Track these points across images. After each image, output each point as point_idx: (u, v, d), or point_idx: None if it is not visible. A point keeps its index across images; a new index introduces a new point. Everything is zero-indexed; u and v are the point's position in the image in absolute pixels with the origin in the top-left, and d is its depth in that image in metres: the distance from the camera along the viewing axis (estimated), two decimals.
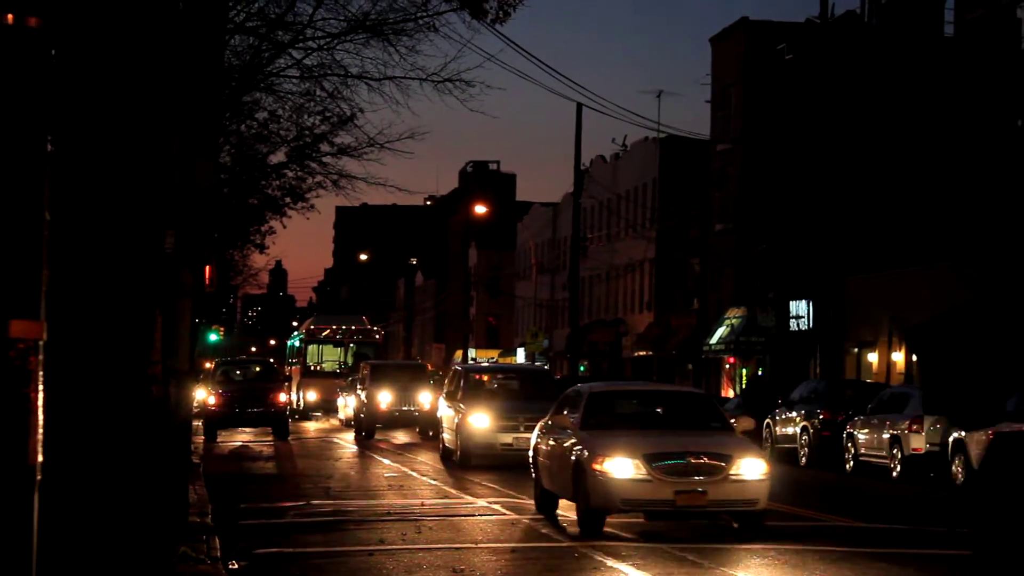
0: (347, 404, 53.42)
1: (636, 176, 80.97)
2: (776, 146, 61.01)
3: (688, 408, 21.01)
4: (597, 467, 18.38)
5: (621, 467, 18.31)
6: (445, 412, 34.64)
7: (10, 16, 5.95)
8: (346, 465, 34.00)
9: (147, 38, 9.39)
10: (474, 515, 21.57)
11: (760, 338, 61.81)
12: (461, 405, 32.90)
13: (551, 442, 20.95)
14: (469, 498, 24.18)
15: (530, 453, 22.25)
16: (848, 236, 55.70)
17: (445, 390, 35.88)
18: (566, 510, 20.51)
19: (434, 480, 28.44)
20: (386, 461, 34.53)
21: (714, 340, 66.65)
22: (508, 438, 31.56)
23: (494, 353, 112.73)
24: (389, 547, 17.43)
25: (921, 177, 56.41)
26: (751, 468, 18.51)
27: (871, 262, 54.83)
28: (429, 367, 66.31)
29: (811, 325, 56.80)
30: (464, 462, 31.83)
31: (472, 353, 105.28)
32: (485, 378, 35.91)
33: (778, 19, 74.57)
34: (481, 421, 31.94)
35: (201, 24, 17.56)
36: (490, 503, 23.21)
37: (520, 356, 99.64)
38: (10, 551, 5.84)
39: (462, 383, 34.31)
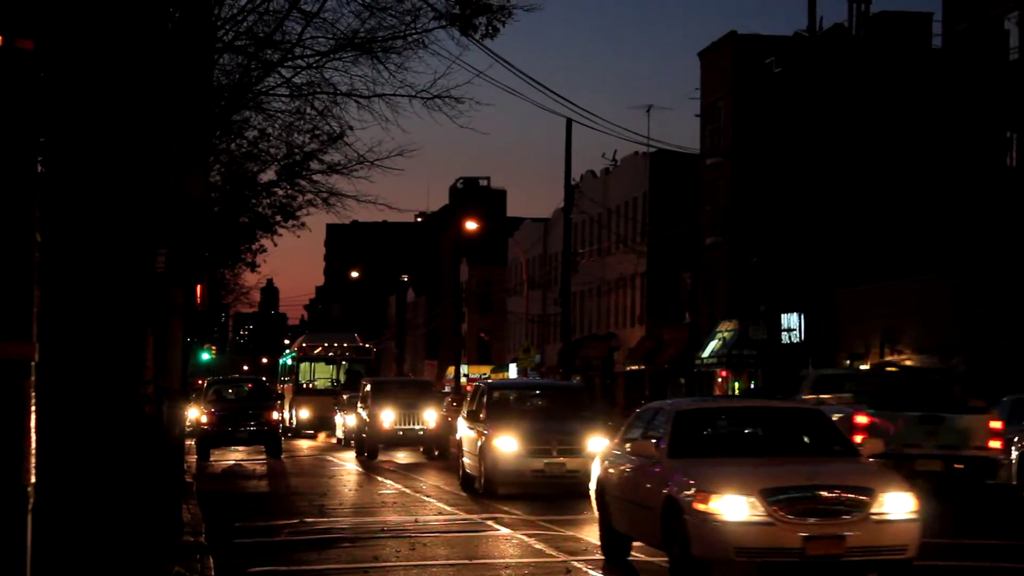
0: (345, 422, 51.77)
1: (627, 191, 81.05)
2: (766, 159, 61.09)
3: (801, 428, 17.20)
4: (701, 507, 14.70)
5: (733, 506, 14.57)
6: (465, 433, 31.05)
7: (0, 38, 5.96)
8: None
9: (137, 60, 9.41)
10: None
11: (752, 351, 61.84)
12: (484, 426, 29.25)
13: (626, 473, 17.26)
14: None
15: (591, 486, 18.71)
16: (839, 248, 55.75)
17: (466, 409, 32.22)
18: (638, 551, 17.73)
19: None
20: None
21: (706, 354, 66.67)
22: (539, 463, 28.22)
23: (486, 369, 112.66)
24: (384, 564, 17.41)
25: (911, 188, 56.53)
26: (897, 504, 14.80)
27: (862, 274, 54.92)
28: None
29: (803, 337, 56.79)
30: (489, 490, 28.31)
31: (464, 369, 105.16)
32: (511, 395, 32.33)
33: (766, 33, 74.65)
34: (508, 444, 28.33)
35: (190, 44, 17.58)
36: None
37: (512, 372, 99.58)
38: (3, 572, 5.84)
39: (485, 401, 30.56)
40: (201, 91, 19.42)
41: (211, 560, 16.53)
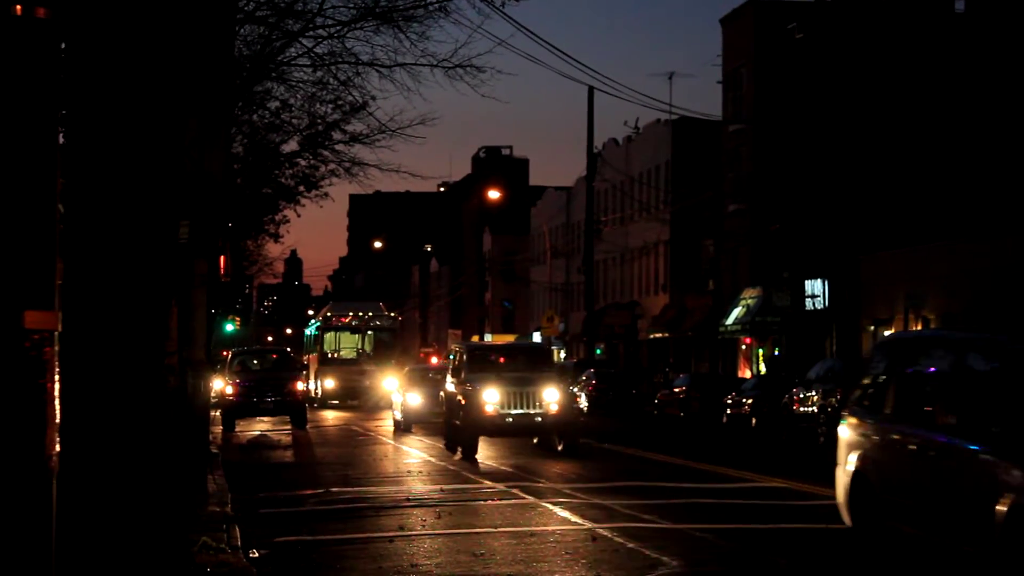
0: (406, 401, 42.55)
1: (649, 158, 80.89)
2: (788, 126, 60.89)
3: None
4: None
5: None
6: (896, 454, 14.76)
7: (18, 7, 5.94)
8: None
9: (158, 27, 9.38)
10: None
11: (776, 318, 61.76)
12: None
13: None
14: None
15: None
16: (862, 214, 55.57)
17: (889, 400, 15.32)
18: None
19: None
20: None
21: (730, 321, 66.59)
22: None
23: (511, 338, 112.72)
24: (409, 533, 17.44)
25: (934, 154, 56.29)
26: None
27: (886, 240, 54.73)
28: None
29: (827, 304, 56.72)
30: None
31: (488, 338, 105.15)
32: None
33: None
34: None
35: (211, 13, 17.55)
36: None
37: (536, 341, 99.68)
38: (29, 541, 5.85)
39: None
40: (222, 62, 19.40)
41: (237, 530, 16.59)
